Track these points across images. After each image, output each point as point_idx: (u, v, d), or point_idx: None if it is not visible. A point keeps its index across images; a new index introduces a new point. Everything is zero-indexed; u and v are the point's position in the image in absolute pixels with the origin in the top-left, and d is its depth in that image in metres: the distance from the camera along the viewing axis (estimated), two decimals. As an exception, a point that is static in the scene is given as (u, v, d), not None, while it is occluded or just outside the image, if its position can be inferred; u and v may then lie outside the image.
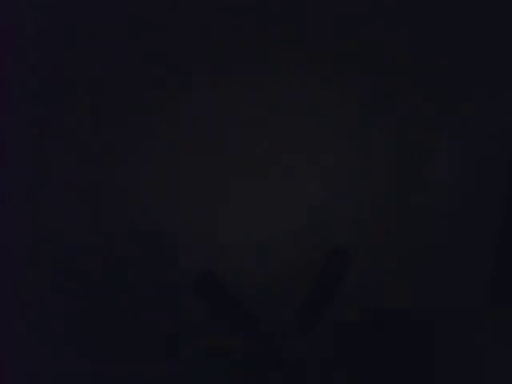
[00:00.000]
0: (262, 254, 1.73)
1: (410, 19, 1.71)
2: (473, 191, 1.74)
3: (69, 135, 1.70)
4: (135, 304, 1.72)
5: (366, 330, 1.74)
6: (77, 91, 1.69)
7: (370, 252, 1.74)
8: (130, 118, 1.70)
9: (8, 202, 1.69)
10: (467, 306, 1.75)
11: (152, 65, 1.70)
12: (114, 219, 1.71)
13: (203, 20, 1.69)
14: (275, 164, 1.72)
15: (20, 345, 1.70)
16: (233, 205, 1.72)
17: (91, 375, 1.71)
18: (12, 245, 1.70)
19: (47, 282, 1.71)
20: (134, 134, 1.71)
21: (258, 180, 1.72)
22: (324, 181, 1.73)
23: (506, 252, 1.74)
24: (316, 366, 1.73)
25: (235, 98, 1.71)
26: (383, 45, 1.71)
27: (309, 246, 1.73)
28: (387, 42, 1.71)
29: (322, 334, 1.74)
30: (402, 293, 1.75)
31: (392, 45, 1.71)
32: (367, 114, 1.72)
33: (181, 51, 1.70)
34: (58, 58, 1.68)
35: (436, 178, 1.73)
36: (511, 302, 1.73)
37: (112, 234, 1.71)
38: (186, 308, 1.73)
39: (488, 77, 1.73)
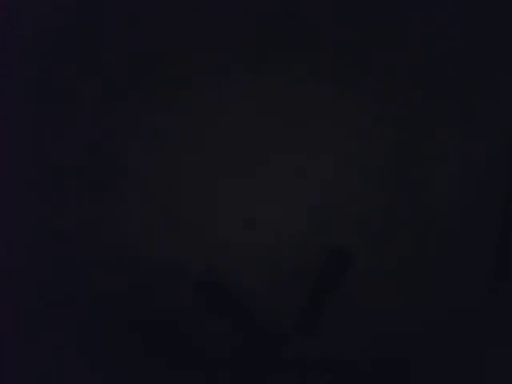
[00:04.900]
0: (263, 253, 1.73)
1: (410, 19, 1.71)
2: (473, 191, 1.74)
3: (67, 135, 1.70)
4: (135, 304, 1.72)
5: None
6: (74, 94, 1.69)
7: (370, 252, 1.74)
8: (129, 117, 1.70)
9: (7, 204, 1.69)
10: (467, 306, 1.75)
11: (151, 64, 1.70)
12: (112, 219, 1.71)
13: (202, 19, 1.69)
14: (275, 164, 1.72)
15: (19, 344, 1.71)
16: (233, 204, 1.72)
17: (90, 376, 1.71)
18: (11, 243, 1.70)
19: (47, 278, 1.71)
20: (133, 134, 1.71)
21: (258, 180, 1.72)
22: (324, 181, 1.73)
23: (506, 252, 1.74)
24: (316, 366, 1.73)
25: (235, 97, 1.71)
26: (383, 44, 1.71)
27: (309, 245, 1.73)
28: (387, 42, 1.71)
29: (321, 333, 1.74)
30: (401, 293, 1.75)
31: (392, 45, 1.71)
32: (367, 114, 1.72)
33: (178, 50, 1.70)
34: (57, 58, 1.69)
35: (436, 178, 1.73)
36: (511, 301, 1.73)
37: (111, 234, 1.71)
38: (186, 308, 1.73)
39: (488, 77, 1.73)
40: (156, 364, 1.72)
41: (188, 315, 1.73)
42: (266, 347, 1.72)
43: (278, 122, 1.72)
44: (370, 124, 1.73)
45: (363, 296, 1.74)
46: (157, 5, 1.68)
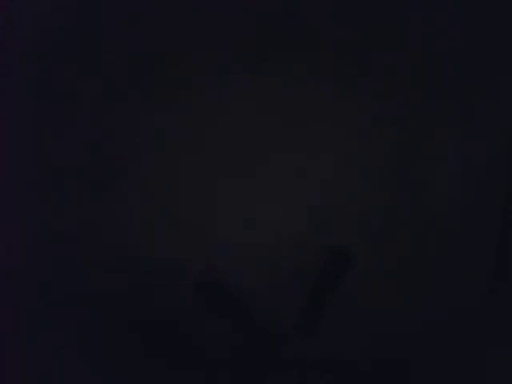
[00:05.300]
0: (263, 253, 1.73)
1: (410, 19, 1.71)
2: (473, 191, 1.74)
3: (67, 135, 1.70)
4: (135, 304, 1.72)
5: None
6: (74, 96, 1.69)
7: (370, 252, 1.74)
8: (129, 117, 1.70)
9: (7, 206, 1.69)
10: (467, 306, 1.75)
11: (151, 64, 1.70)
12: (112, 219, 1.71)
13: (202, 19, 1.69)
14: (275, 164, 1.72)
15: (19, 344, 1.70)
16: (233, 204, 1.72)
17: (90, 376, 1.71)
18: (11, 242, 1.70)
19: (47, 278, 1.71)
20: (133, 134, 1.71)
21: (258, 180, 1.72)
22: (324, 181, 1.73)
23: (506, 252, 1.74)
24: (316, 366, 1.73)
25: (235, 97, 1.71)
26: (383, 44, 1.71)
27: (309, 245, 1.73)
28: (387, 42, 1.71)
29: (321, 333, 1.74)
30: (401, 293, 1.75)
31: (392, 45, 1.71)
32: (367, 114, 1.72)
33: (178, 50, 1.70)
34: (57, 58, 1.69)
35: (436, 178, 1.73)
36: (511, 301, 1.73)
37: (111, 234, 1.71)
38: (186, 308, 1.72)
39: (488, 77, 1.73)
40: (156, 364, 1.72)
41: (188, 315, 1.72)
42: (266, 347, 1.72)
43: (278, 122, 1.72)
44: (370, 124, 1.73)
45: (363, 296, 1.74)
46: (157, 5, 1.68)
